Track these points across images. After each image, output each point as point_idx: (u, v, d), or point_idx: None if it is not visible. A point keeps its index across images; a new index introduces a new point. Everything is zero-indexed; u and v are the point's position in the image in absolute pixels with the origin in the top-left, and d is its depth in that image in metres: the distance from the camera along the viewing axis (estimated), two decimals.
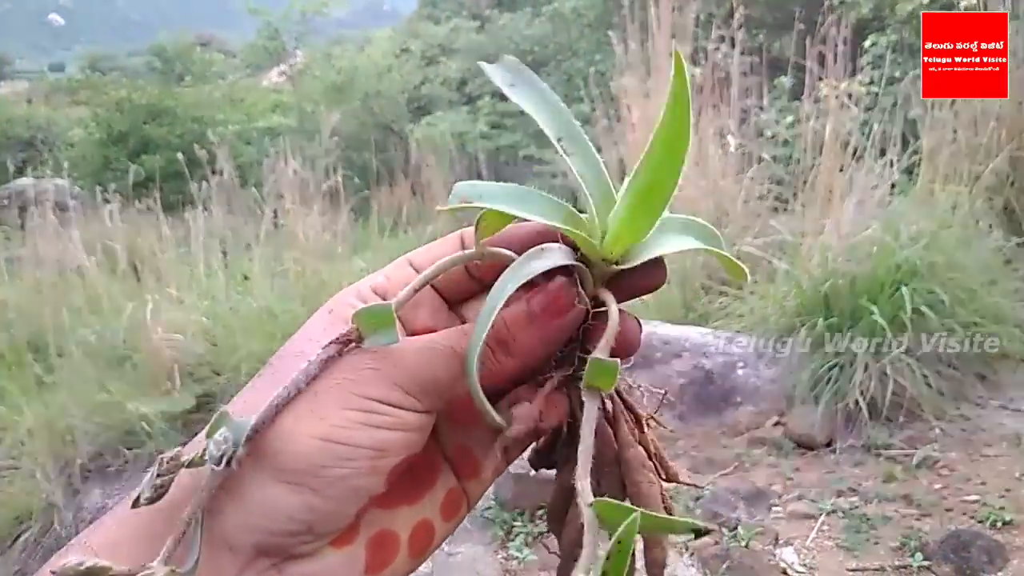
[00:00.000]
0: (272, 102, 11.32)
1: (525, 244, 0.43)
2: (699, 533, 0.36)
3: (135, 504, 0.36)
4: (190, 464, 0.36)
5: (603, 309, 0.42)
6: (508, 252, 0.43)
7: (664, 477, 0.44)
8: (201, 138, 6.36)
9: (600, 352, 0.40)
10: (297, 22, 10.74)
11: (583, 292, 0.42)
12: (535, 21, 9.47)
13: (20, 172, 8.71)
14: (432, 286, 0.45)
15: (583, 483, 0.37)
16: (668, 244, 0.43)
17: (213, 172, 4.92)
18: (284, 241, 4.53)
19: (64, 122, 12.02)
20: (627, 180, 0.41)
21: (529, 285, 0.42)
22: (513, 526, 2.32)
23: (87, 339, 3.48)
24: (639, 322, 0.45)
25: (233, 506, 0.38)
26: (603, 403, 0.43)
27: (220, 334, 3.37)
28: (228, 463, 0.36)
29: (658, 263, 0.43)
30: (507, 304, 0.41)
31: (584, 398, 0.40)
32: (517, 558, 2.18)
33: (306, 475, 0.38)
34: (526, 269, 0.41)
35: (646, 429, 0.45)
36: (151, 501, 0.35)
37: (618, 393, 0.44)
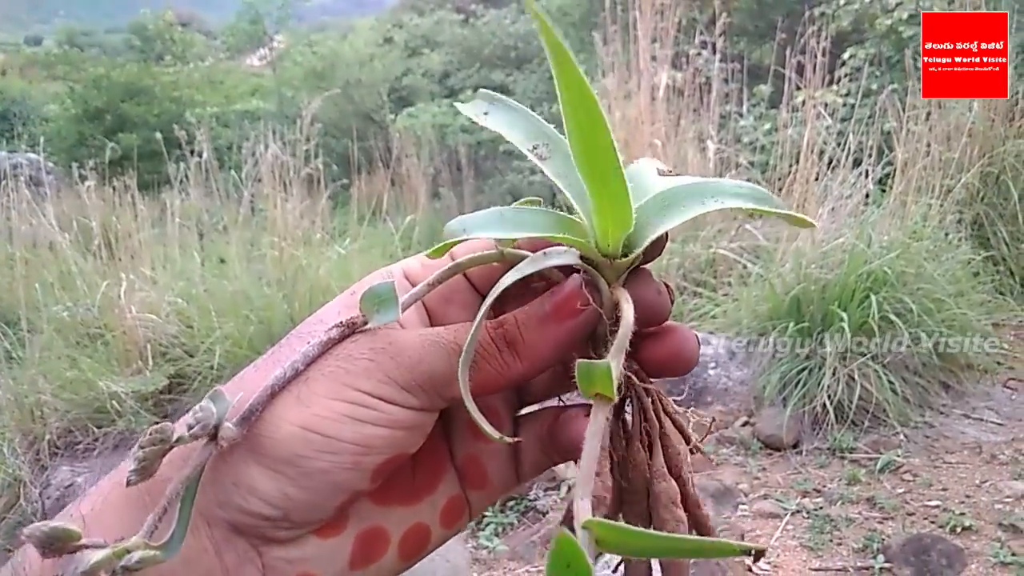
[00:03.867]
0: (252, 86, 11.24)
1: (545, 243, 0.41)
2: (756, 555, 0.30)
3: (128, 483, 0.34)
4: (177, 440, 0.35)
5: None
6: (526, 252, 0.41)
7: (692, 524, 0.41)
8: (179, 119, 6.30)
9: (614, 356, 0.36)
10: (279, 6, 10.65)
11: (599, 292, 0.40)
12: (520, 18, 9.47)
13: None
14: (468, 280, 0.44)
15: (581, 502, 0.32)
16: (668, 218, 0.40)
17: (191, 153, 4.88)
18: (262, 225, 4.51)
19: (40, 96, 11.84)
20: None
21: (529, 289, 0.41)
22: (483, 516, 2.34)
23: (59, 315, 3.45)
24: (697, 338, 0.42)
25: (211, 479, 0.37)
26: (641, 424, 0.41)
27: (195, 316, 3.35)
28: (213, 439, 0.35)
29: (658, 244, 0.40)
30: (520, 303, 0.41)
31: (593, 407, 0.35)
32: (487, 547, 2.20)
33: (284, 463, 0.37)
34: (524, 269, 0.39)
35: (686, 463, 0.41)
36: (140, 477, 0.34)
37: (666, 414, 0.42)
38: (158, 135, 4.99)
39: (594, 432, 0.34)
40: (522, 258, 0.40)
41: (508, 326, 0.40)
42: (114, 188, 4.81)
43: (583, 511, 0.32)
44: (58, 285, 3.74)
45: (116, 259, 3.86)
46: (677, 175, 0.43)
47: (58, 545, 0.32)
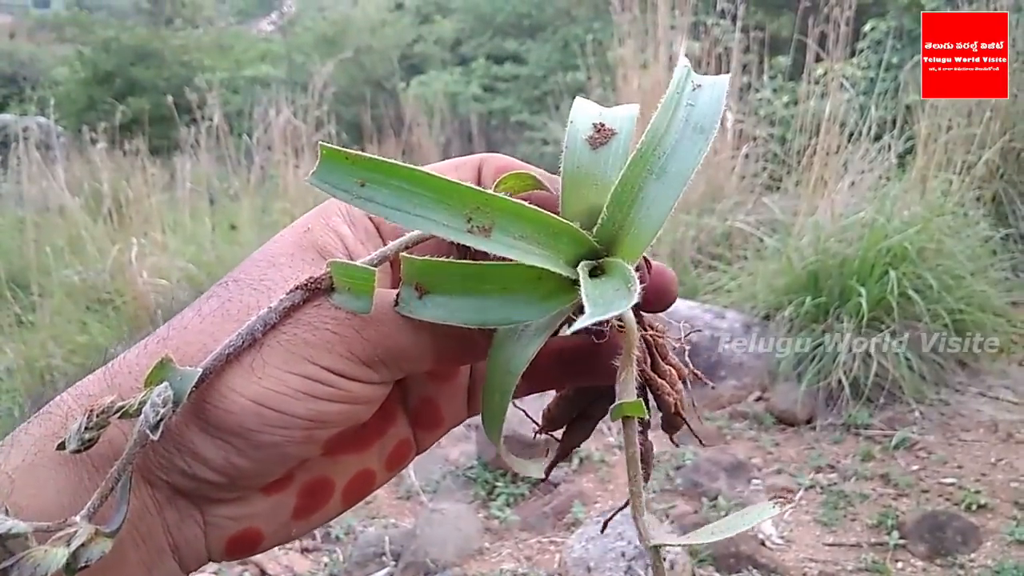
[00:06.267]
0: (261, 51, 11.13)
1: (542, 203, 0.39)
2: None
3: (60, 447, 0.32)
4: (122, 415, 0.33)
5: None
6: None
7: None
8: (189, 83, 6.25)
9: (625, 393, 0.35)
10: None
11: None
12: None
13: (2, 108, 8.54)
14: None
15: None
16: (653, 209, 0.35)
17: (202, 118, 4.85)
18: (273, 191, 4.49)
19: (48, 59, 11.76)
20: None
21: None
22: (495, 486, 2.33)
23: (70, 279, 3.44)
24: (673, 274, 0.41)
25: (155, 442, 0.34)
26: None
27: (205, 281, 3.34)
28: (157, 427, 0.33)
29: None
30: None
31: (623, 428, 0.35)
32: (499, 517, 2.19)
33: (232, 435, 0.34)
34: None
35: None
36: (77, 452, 0.32)
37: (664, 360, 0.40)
38: (168, 99, 4.96)
39: (632, 452, 0.35)
40: None
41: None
42: (124, 152, 4.80)
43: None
44: (68, 249, 3.73)
45: (127, 224, 3.85)
46: (606, 138, 0.39)
47: (7, 546, 0.30)
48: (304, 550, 2.08)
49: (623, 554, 1.78)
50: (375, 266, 0.36)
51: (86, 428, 0.32)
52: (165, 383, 0.33)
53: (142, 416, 0.32)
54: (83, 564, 0.31)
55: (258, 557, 2.01)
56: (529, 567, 1.95)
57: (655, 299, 0.39)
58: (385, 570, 1.96)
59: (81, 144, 5.25)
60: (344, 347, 0.35)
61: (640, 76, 4.28)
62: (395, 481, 2.39)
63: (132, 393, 0.34)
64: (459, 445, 2.57)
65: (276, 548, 2.05)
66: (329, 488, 0.41)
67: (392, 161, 0.33)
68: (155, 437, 0.32)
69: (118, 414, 0.33)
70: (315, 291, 0.35)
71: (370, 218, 0.39)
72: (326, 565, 2.01)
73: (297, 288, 0.35)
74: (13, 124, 5.74)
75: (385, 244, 0.38)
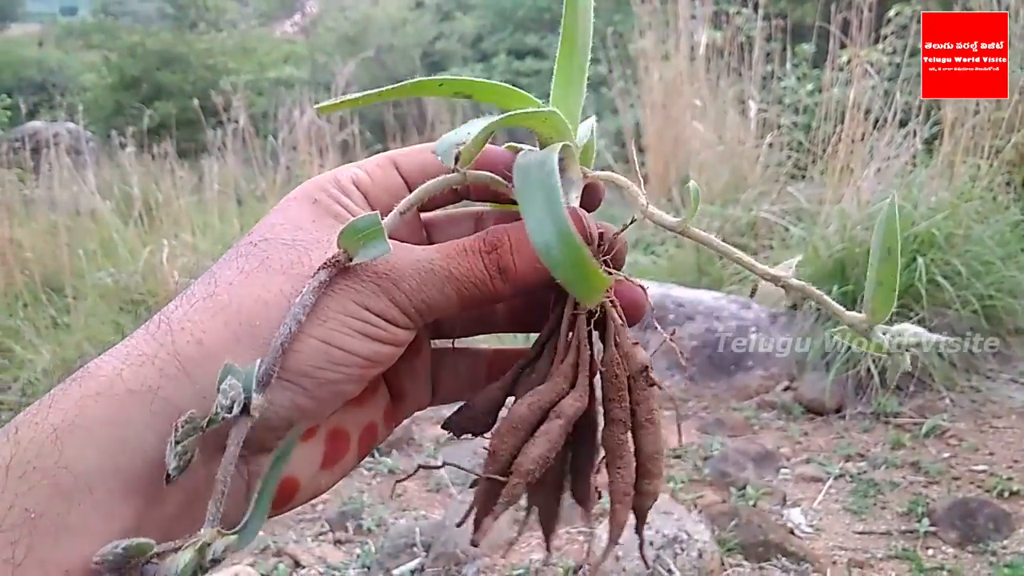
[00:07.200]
0: (284, 53, 11.21)
1: (508, 165, 0.44)
2: None
3: (168, 481, 0.34)
4: (209, 424, 0.34)
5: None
6: (490, 175, 0.44)
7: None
8: (214, 86, 6.32)
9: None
10: None
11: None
12: None
13: (32, 115, 8.67)
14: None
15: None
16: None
17: (228, 120, 4.91)
18: None
19: (76, 66, 11.92)
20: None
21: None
22: None
23: (103, 281, 3.50)
24: (644, 288, 0.46)
25: (213, 391, 0.35)
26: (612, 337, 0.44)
27: None
28: (245, 411, 0.35)
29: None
30: (502, 201, 0.45)
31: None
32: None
33: (301, 375, 0.38)
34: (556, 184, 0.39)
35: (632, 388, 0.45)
36: (180, 470, 0.34)
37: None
38: (195, 102, 5.02)
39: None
40: (485, 180, 0.44)
41: (503, 251, 0.42)
42: (153, 156, 4.87)
43: None
44: (100, 252, 3.80)
45: (157, 226, 3.91)
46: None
47: (134, 562, 0.32)
48: (337, 542, 2.11)
49: (651, 543, 1.79)
50: (402, 214, 0.41)
51: (177, 442, 0.33)
52: (228, 376, 0.35)
53: (219, 409, 0.34)
54: (221, 556, 0.33)
55: (292, 548, 2.04)
56: (558, 557, 1.97)
57: (627, 311, 0.45)
58: (416, 561, 1.98)
59: (110, 149, 5.33)
60: (387, 296, 0.39)
61: (661, 67, 4.27)
62: (424, 474, 2.41)
63: (193, 353, 0.36)
64: (485, 438, 2.58)
65: (310, 539, 2.08)
66: (346, 439, 0.45)
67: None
68: (234, 417, 0.35)
69: (203, 424, 0.34)
70: (337, 265, 0.39)
71: (356, 184, 0.44)
72: (358, 556, 2.04)
73: (322, 268, 0.38)
74: (43, 130, 5.83)
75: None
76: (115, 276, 3.54)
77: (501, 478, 0.42)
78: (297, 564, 2.01)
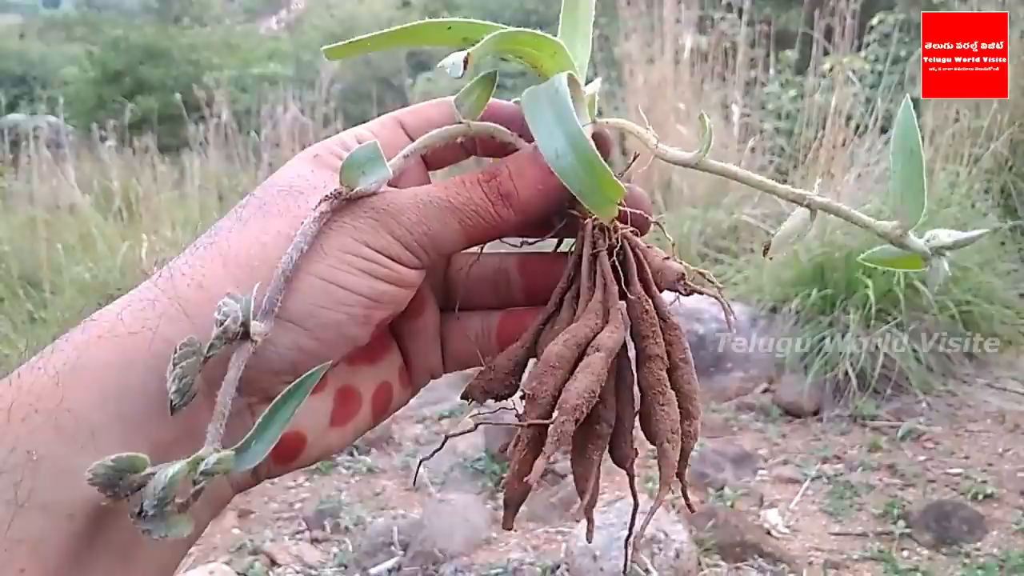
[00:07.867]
0: (269, 49, 11.17)
1: (513, 118, 0.44)
2: None
3: (172, 410, 0.33)
4: (209, 350, 0.34)
5: None
6: (494, 125, 0.44)
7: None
8: (197, 81, 6.28)
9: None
10: None
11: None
12: None
13: (12, 108, 8.59)
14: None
15: None
16: None
17: (210, 116, 4.88)
18: None
19: (58, 59, 11.82)
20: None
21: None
22: (503, 477, 2.34)
23: (81, 276, 3.47)
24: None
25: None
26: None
27: None
28: (245, 336, 0.35)
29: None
30: (509, 153, 0.43)
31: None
32: None
33: (301, 315, 0.37)
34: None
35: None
36: (182, 398, 0.33)
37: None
38: (177, 97, 4.99)
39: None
40: (490, 131, 0.44)
41: (502, 178, 0.41)
42: (134, 150, 4.83)
43: None
44: (79, 247, 3.76)
45: (137, 221, 3.88)
46: None
47: (127, 479, 0.31)
48: (314, 540, 2.10)
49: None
50: (406, 157, 0.41)
51: (175, 365, 0.33)
52: (226, 298, 0.35)
53: (219, 332, 0.34)
54: (213, 468, 0.32)
55: (269, 547, 2.03)
56: (536, 556, 1.97)
57: (633, 211, 0.44)
58: (393, 560, 1.98)
59: (91, 142, 5.29)
60: (387, 232, 0.39)
61: (646, 71, 4.29)
62: (403, 472, 2.40)
63: (192, 296, 0.36)
64: (467, 437, 2.58)
65: (287, 538, 2.07)
66: (357, 397, 0.45)
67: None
68: (237, 343, 0.34)
69: (202, 349, 0.34)
70: (338, 196, 0.38)
71: (359, 143, 0.42)
72: (335, 555, 2.03)
73: (323, 200, 0.38)
74: (24, 123, 5.79)
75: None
76: (93, 271, 3.50)
77: (545, 421, 0.38)
78: (273, 563, 2.00)
